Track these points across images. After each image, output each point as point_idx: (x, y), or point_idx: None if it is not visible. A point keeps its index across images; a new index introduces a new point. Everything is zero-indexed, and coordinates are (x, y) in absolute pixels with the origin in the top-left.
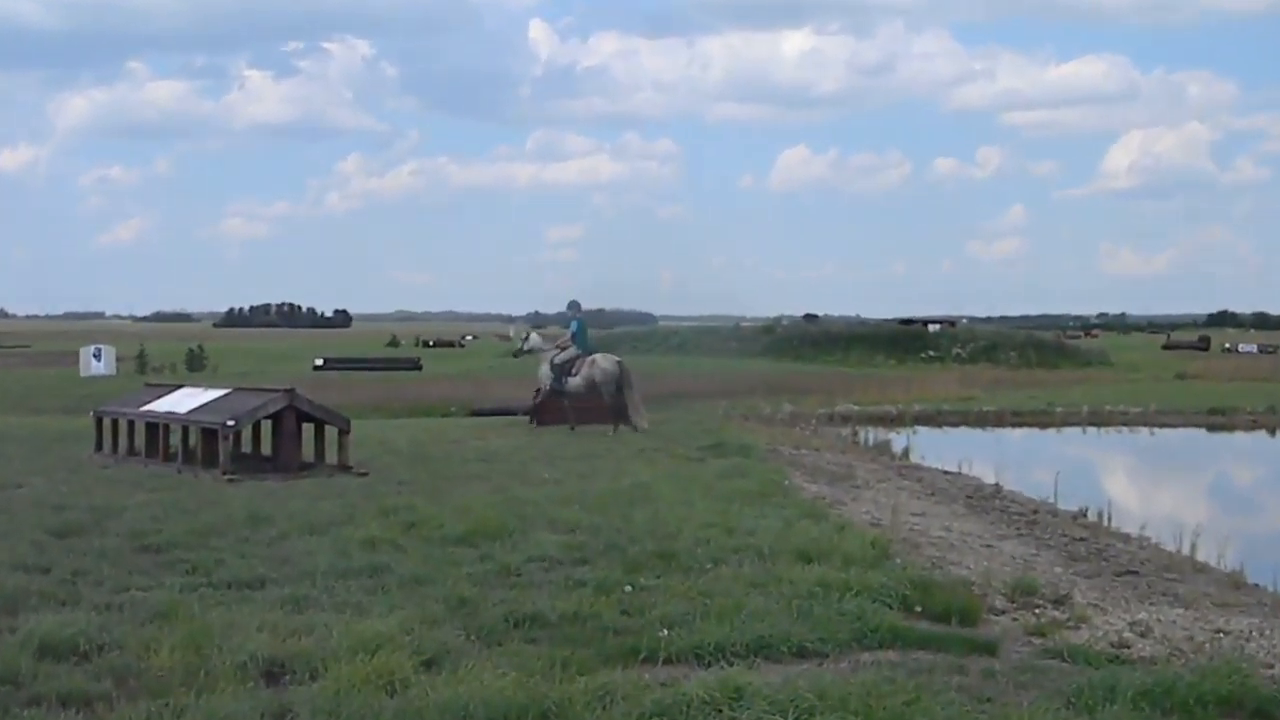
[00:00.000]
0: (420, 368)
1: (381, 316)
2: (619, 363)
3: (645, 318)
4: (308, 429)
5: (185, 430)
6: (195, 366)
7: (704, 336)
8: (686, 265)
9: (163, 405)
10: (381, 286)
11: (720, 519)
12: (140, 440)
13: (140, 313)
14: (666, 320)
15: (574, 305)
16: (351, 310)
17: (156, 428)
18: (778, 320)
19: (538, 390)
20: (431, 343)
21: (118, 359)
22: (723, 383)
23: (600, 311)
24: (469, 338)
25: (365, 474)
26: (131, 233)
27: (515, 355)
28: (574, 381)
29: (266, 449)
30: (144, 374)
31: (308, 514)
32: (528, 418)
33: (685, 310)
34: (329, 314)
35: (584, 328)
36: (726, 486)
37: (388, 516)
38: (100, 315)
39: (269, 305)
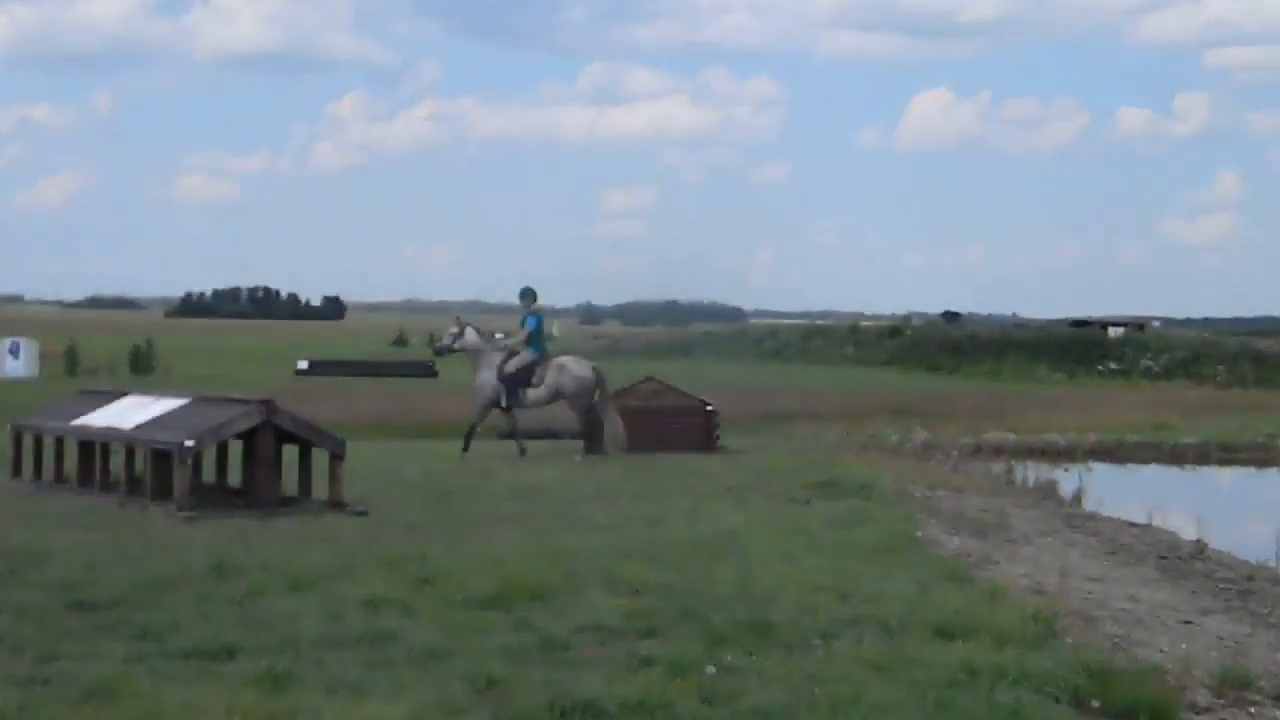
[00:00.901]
0: (435, 373)
1: (385, 306)
2: (595, 369)
3: (732, 313)
4: (290, 452)
5: (130, 451)
6: (142, 368)
7: (810, 339)
8: (788, 245)
9: (101, 419)
10: (386, 267)
11: (832, 580)
12: (72, 464)
13: (70, 296)
14: (760, 317)
15: (528, 294)
16: (346, 298)
17: (93, 448)
18: (907, 320)
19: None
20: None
21: (41, 356)
22: (835, 400)
23: (672, 304)
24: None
25: (364, 513)
26: (61, 192)
27: (436, 354)
28: (536, 394)
29: (236, 478)
30: (75, 376)
31: (290, 564)
32: (581, 444)
33: (785, 305)
34: (316, 302)
35: (542, 325)
36: (840, 538)
37: (394, 569)
38: (18, 300)
39: (238, 290)
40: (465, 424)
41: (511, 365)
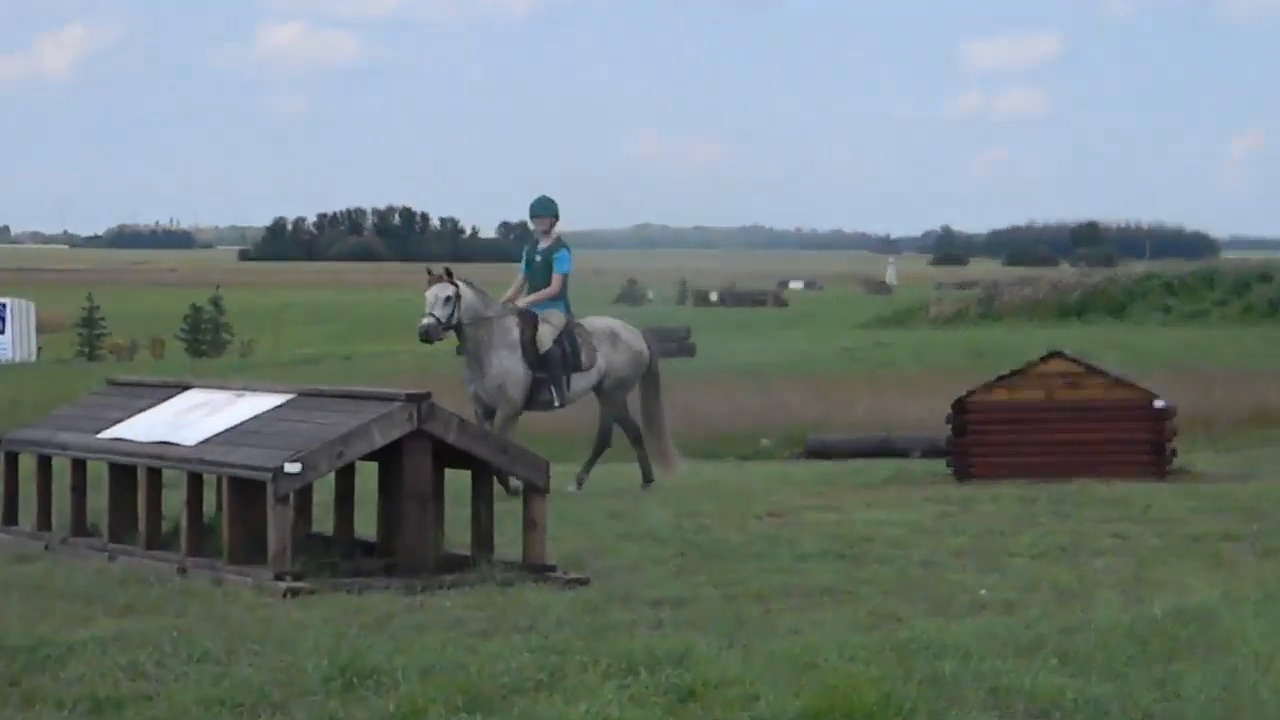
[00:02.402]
0: (692, 350)
1: (596, 237)
2: (646, 336)
3: (1193, 244)
4: (457, 482)
5: (196, 482)
6: (208, 343)
7: None
8: None
9: (146, 428)
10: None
11: None
12: (100, 500)
13: (85, 227)
14: (1240, 248)
15: (546, 209)
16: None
17: (134, 477)
18: None
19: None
20: (716, 296)
21: (38, 326)
22: None
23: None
24: (796, 285)
25: (583, 580)
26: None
27: (424, 339)
28: (583, 380)
29: (369, 525)
30: (97, 359)
31: (463, 668)
32: (947, 463)
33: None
34: (492, 232)
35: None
36: None
37: (634, 676)
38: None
39: (360, 212)
40: (752, 436)
41: (546, 335)
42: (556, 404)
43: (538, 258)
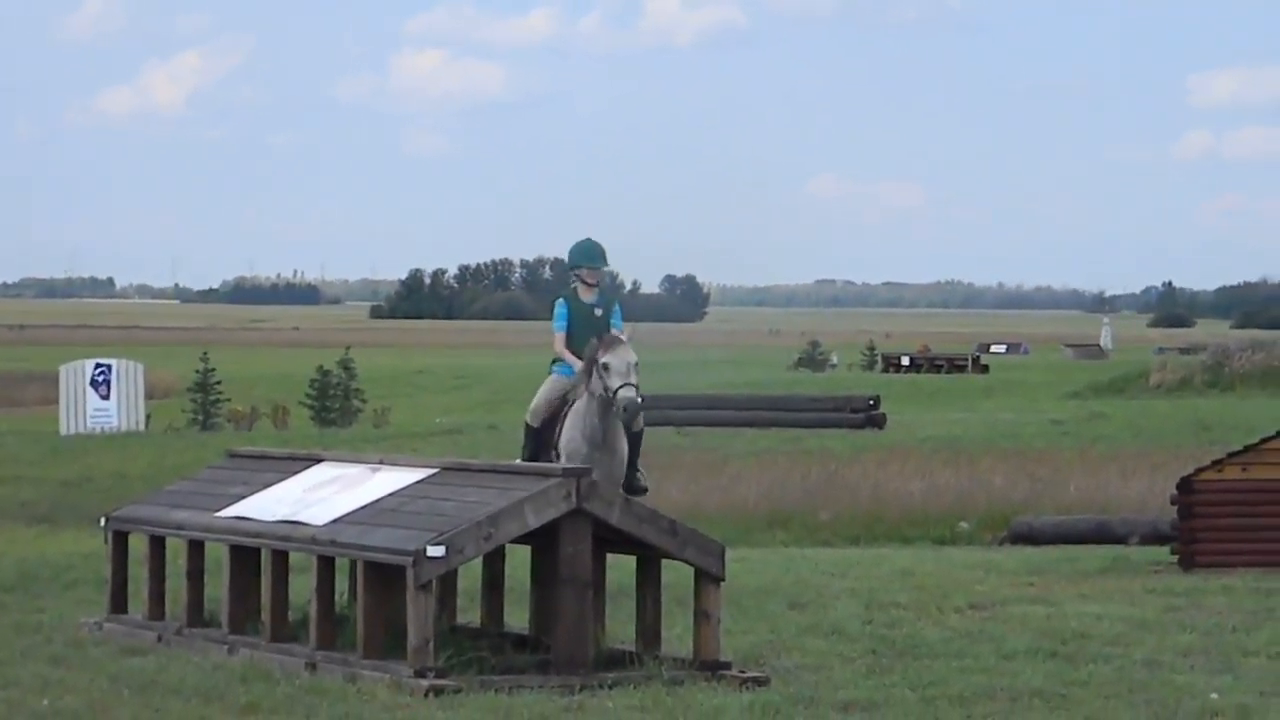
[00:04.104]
0: (882, 421)
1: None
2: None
3: None
4: (621, 568)
5: (325, 565)
6: (335, 409)
7: None
8: None
9: (270, 506)
10: (787, 219)
11: None
12: (219, 586)
13: (197, 281)
14: None
15: (602, 256)
16: (709, 280)
17: (256, 559)
18: None
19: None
20: (908, 360)
21: (147, 391)
22: None
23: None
24: (999, 349)
25: (762, 680)
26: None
27: (633, 415)
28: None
29: (522, 616)
30: (212, 425)
31: None
32: (1171, 550)
33: None
34: (656, 287)
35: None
36: None
37: None
38: (104, 286)
39: (507, 264)
40: (950, 519)
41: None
42: (646, 487)
43: (598, 311)
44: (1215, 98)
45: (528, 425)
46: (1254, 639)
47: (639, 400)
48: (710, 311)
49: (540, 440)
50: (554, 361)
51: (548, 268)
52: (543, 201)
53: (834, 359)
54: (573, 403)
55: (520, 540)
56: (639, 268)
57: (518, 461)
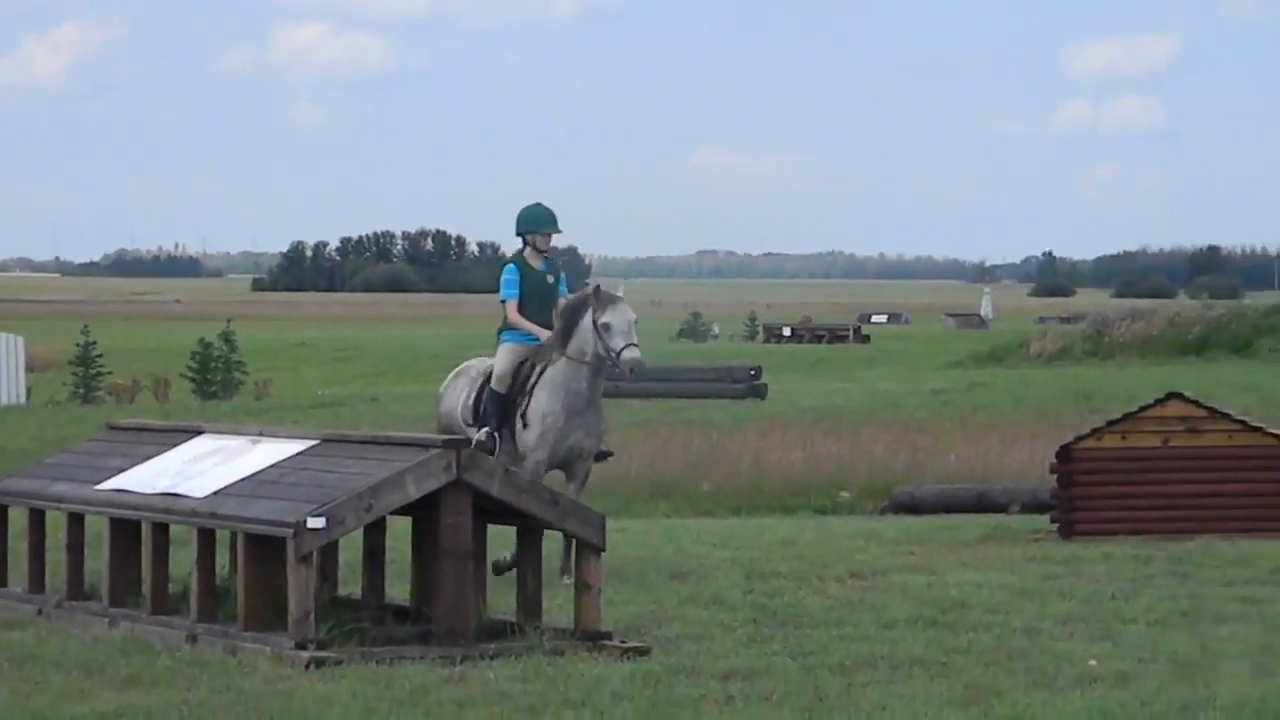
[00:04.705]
0: (763, 391)
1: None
2: None
3: None
4: (499, 536)
5: (205, 538)
6: (218, 383)
7: None
8: None
9: (151, 478)
10: (669, 191)
11: None
12: (100, 559)
13: (83, 255)
14: None
15: (554, 220)
16: (591, 251)
17: (137, 533)
18: None
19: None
20: (790, 331)
21: (28, 365)
22: None
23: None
24: (880, 319)
25: (643, 650)
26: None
27: (640, 376)
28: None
29: (403, 588)
30: (93, 399)
31: None
32: (1050, 518)
33: None
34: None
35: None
36: None
37: None
38: None
39: (388, 236)
40: (830, 490)
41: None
42: (610, 452)
43: (550, 278)
44: (1093, 68)
45: (494, 392)
46: (1132, 606)
47: (638, 359)
48: (592, 283)
49: (506, 408)
50: (502, 330)
51: (429, 240)
52: (424, 174)
53: (716, 330)
54: (542, 370)
55: (401, 511)
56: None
57: (483, 431)
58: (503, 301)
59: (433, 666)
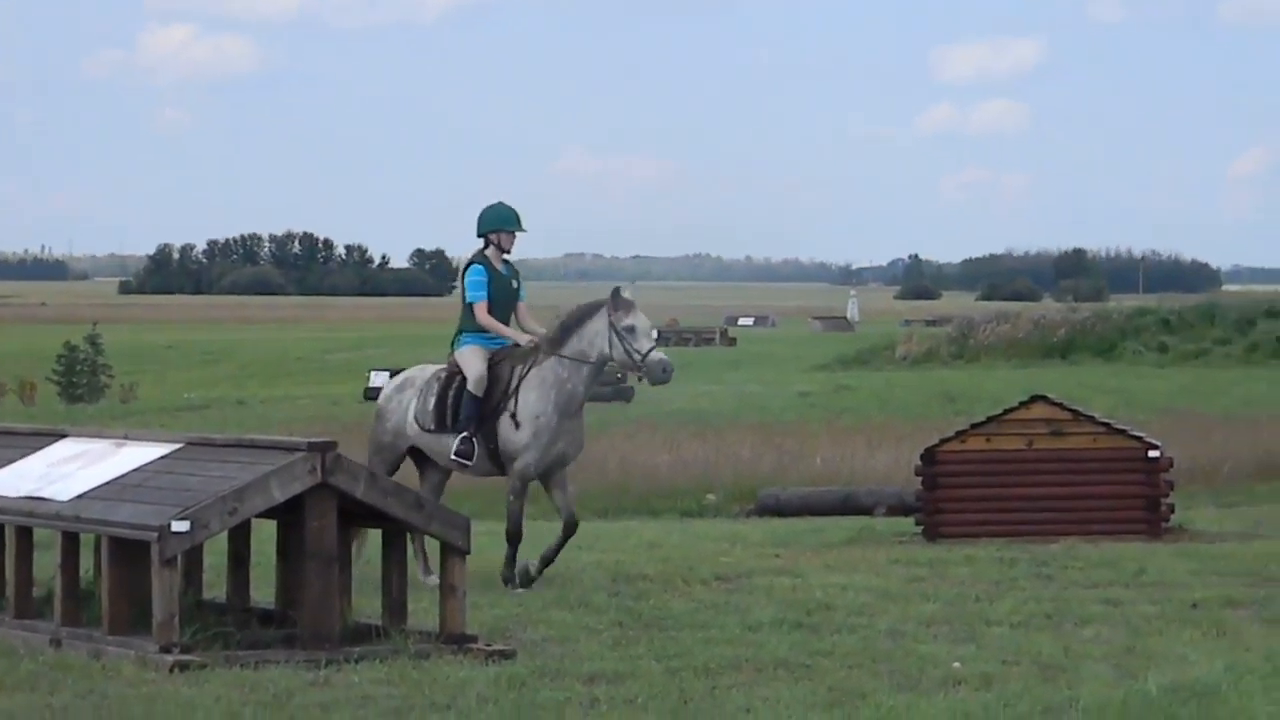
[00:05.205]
0: (629, 394)
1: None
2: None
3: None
4: (368, 543)
5: (69, 541)
6: (82, 384)
7: None
8: None
9: (11, 480)
10: (536, 194)
11: None
12: None
13: None
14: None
15: (518, 219)
16: (459, 254)
17: (0, 535)
18: None
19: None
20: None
21: None
22: None
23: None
24: (746, 321)
25: (508, 653)
26: None
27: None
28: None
29: (268, 591)
30: None
31: None
32: (915, 521)
33: None
34: (404, 261)
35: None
36: None
37: None
38: None
39: (255, 239)
40: (698, 492)
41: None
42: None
43: (515, 283)
44: (958, 72)
45: (472, 396)
46: (996, 608)
47: (668, 361)
48: (459, 285)
49: (484, 409)
50: (463, 331)
51: (296, 243)
52: (291, 177)
53: None
54: (524, 374)
55: (266, 515)
56: (388, 242)
57: (460, 437)
58: (469, 303)
59: (297, 670)
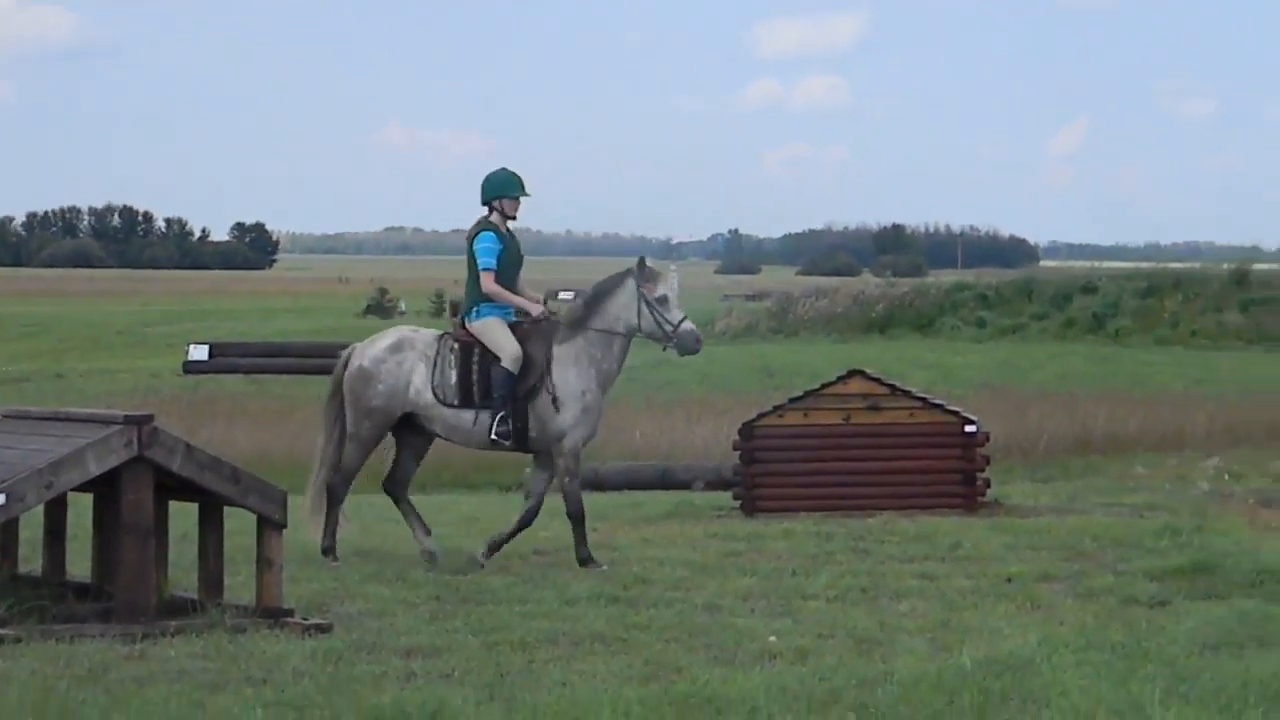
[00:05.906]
0: None
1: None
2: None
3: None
4: (181, 514)
5: None
6: None
7: (1154, 299)
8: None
9: None
10: (357, 167)
11: None
12: None
13: None
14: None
15: (515, 185)
16: (279, 228)
17: None
18: None
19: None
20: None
21: None
22: (1209, 412)
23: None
24: (566, 295)
25: (325, 627)
26: None
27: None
28: None
29: (84, 564)
30: None
31: None
32: (733, 495)
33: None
34: (225, 235)
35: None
36: (1227, 674)
37: None
38: None
39: (75, 211)
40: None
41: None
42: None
43: (519, 250)
44: (780, 48)
45: (507, 372)
46: (813, 582)
47: (699, 333)
48: (280, 259)
49: (519, 388)
50: (478, 301)
51: (116, 215)
52: (111, 149)
53: (403, 306)
54: (551, 352)
55: (83, 488)
56: (208, 215)
57: (496, 418)
58: (482, 271)
59: (113, 644)
